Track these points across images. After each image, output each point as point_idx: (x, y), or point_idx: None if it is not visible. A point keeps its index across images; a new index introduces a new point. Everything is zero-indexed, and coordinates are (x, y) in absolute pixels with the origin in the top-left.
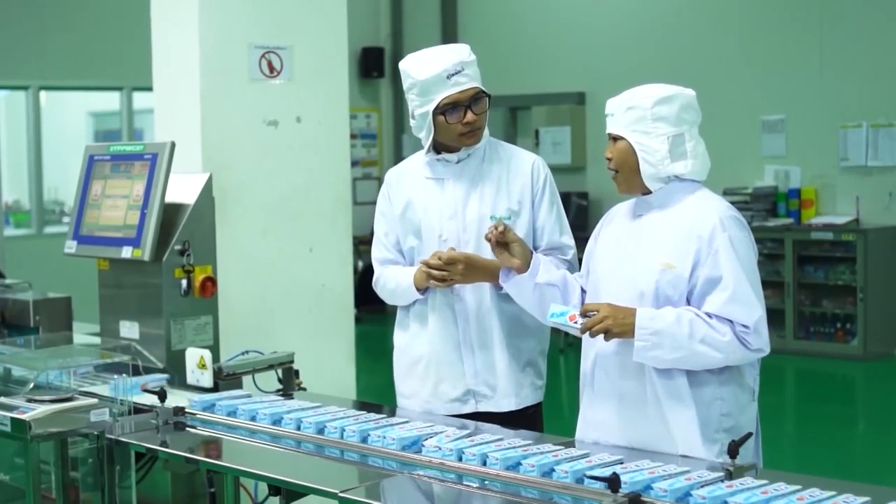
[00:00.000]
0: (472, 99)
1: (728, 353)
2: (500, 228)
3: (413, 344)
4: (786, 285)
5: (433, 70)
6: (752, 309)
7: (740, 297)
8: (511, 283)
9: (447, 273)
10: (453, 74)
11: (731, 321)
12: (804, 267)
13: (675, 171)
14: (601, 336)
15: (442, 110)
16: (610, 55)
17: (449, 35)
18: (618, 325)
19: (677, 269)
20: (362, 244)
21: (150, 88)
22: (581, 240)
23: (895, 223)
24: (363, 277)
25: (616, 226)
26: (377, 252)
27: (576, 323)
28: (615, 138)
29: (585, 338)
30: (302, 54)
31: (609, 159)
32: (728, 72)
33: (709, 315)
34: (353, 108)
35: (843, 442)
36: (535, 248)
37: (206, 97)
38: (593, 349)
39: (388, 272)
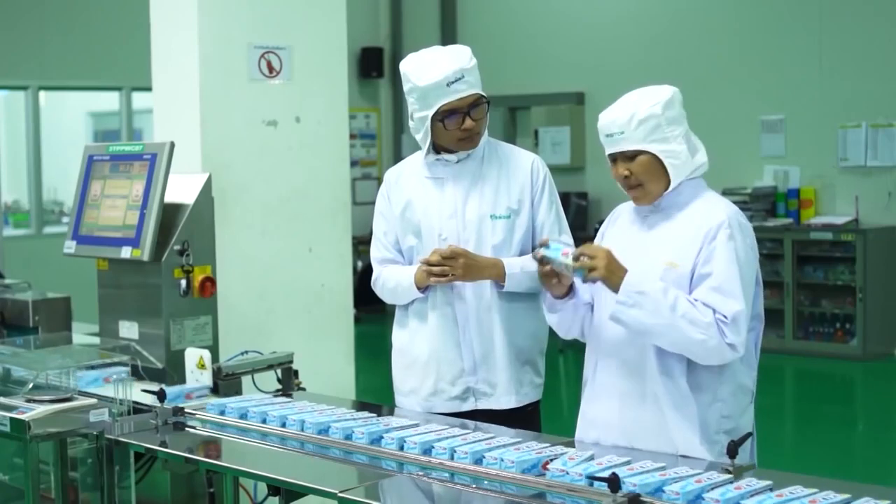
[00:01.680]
0: (471, 105)
1: (707, 337)
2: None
3: (412, 342)
4: (785, 285)
5: (433, 77)
6: (733, 301)
7: (725, 289)
8: (559, 308)
9: (448, 268)
10: (453, 82)
11: (713, 309)
12: (803, 267)
13: (696, 164)
14: (602, 336)
15: (441, 117)
16: (609, 55)
17: (448, 35)
18: (606, 270)
19: (681, 269)
20: (361, 244)
21: (149, 88)
22: (580, 240)
23: (894, 223)
24: (362, 277)
25: (623, 229)
26: (376, 252)
27: (567, 258)
28: (631, 156)
29: (588, 338)
30: (301, 54)
31: (627, 177)
32: (727, 72)
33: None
34: (353, 108)
35: (842, 442)
36: (534, 247)
37: (205, 97)
38: (596, 350)
39: (388, 271)
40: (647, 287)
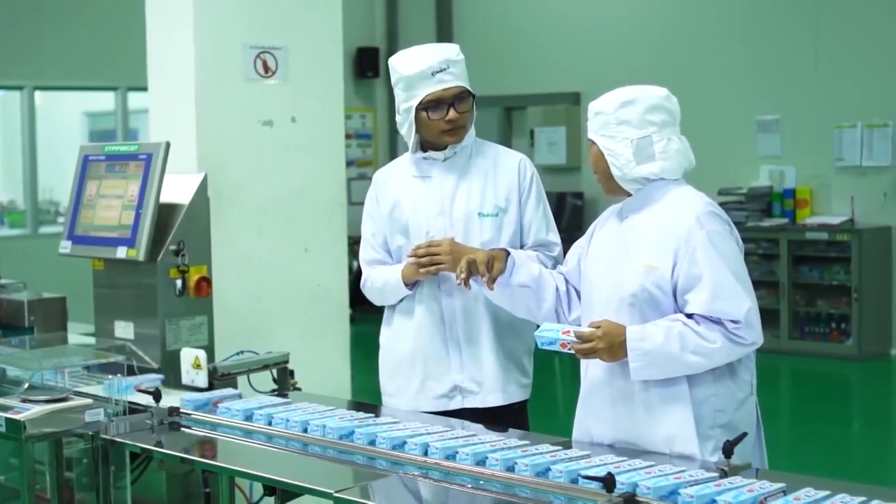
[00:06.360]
0: (456, 97)
1: (720, 360)
2: (463, 276)
3: (399, 340)
4: (781, 285)
5: (418, 66)
6: (739, 301)
7: (724, 293)
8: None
9: (436, 256)
10: (438, 72)
11: (720, 321)
12: (799, 267)
13: (642, 174)
14: None
15: (425, 107)
16: (605, 55)
17: (444, 35)
18: (609, 354)
19: (660, 270)
20: (357, 244)
21: (145, 88)
22: (576, 239)
23: (890, 223)
24: (358, 277)
25: (605, 230)
26: (365, 253)
27: (568, 336)
28: (590, 143)
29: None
30: (297, 54)
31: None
32: (723, 72)
33: (697, 321)
34: (349, 108)
35: (838, 442)
36: (523, 246)
37: (201, 97)
38: None
39: (376, 272)
40: (649, 344)
